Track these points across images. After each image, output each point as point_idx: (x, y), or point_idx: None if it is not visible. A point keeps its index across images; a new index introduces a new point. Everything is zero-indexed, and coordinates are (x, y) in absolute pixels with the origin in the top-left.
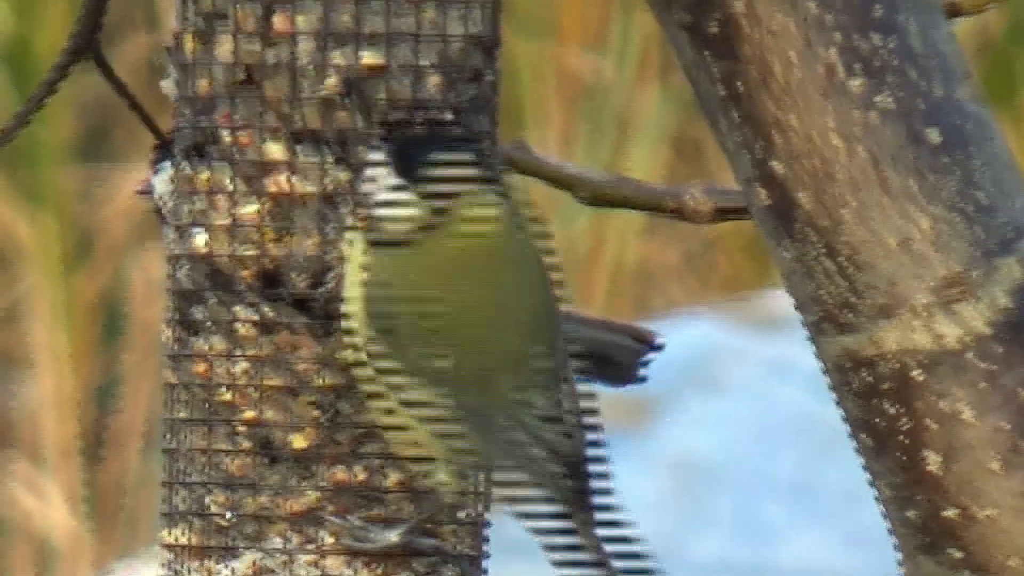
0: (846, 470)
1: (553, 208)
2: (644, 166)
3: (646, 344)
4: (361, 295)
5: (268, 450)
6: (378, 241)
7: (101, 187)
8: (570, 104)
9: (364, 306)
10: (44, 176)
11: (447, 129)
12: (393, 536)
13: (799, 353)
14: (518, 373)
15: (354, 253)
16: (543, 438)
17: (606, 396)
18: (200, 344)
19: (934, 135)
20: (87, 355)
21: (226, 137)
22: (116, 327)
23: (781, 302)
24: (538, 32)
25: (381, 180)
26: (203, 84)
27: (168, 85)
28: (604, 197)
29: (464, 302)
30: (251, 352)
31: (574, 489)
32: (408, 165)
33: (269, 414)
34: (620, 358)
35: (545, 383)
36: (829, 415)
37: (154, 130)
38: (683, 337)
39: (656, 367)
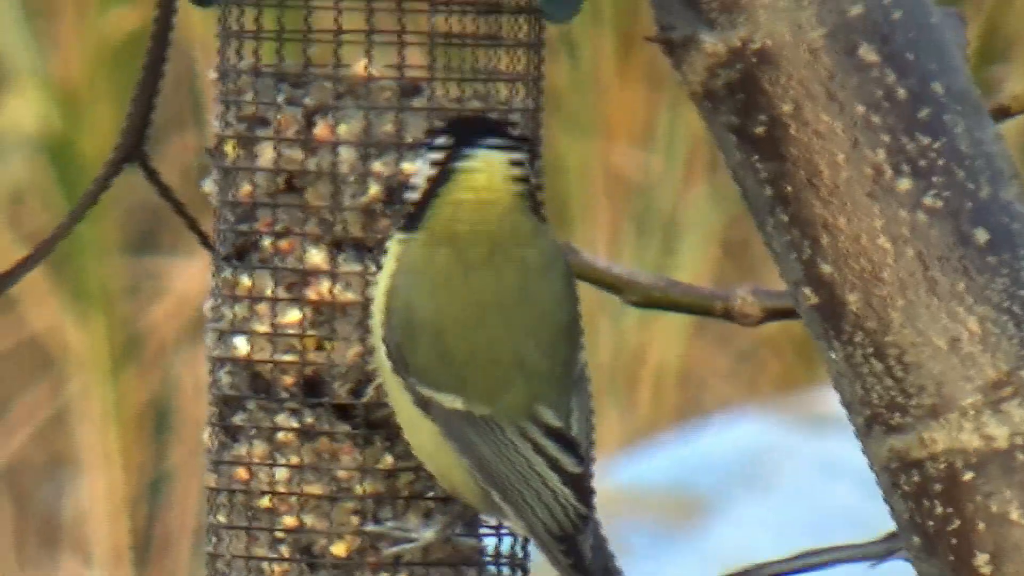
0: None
1: (600, 308)
2: (692, 266)
3: None
4: (385, 285)
5: (310, 556)
6: (408, 225)
7: (149, 283)
8: (617, 202)
9: (385, 295)
10: (91, 275)
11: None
12: (431, 533)
13: (850, 451)
14: (530, 384)
15: (389, 249)
16: (549, 454)
17: (657, 495)
18: (241, 449)
19: (982, 236)
20: (136, 455)
21: (267, 243)
22: (165, 426)
23: (831, 400)
24: (585, 129)
25: (426, 165)
26: (244, 189)
27: (209, 188)
28: (653, 300)
29: (483, 303)
30: (292, 459)
31: (577, 510)
32: (455, 150)
33: (310, 520)
34: None
35: (557, 399)
36: (880, 514)
37: (199, 234)
38: (733, 436)
39: (707, 466)
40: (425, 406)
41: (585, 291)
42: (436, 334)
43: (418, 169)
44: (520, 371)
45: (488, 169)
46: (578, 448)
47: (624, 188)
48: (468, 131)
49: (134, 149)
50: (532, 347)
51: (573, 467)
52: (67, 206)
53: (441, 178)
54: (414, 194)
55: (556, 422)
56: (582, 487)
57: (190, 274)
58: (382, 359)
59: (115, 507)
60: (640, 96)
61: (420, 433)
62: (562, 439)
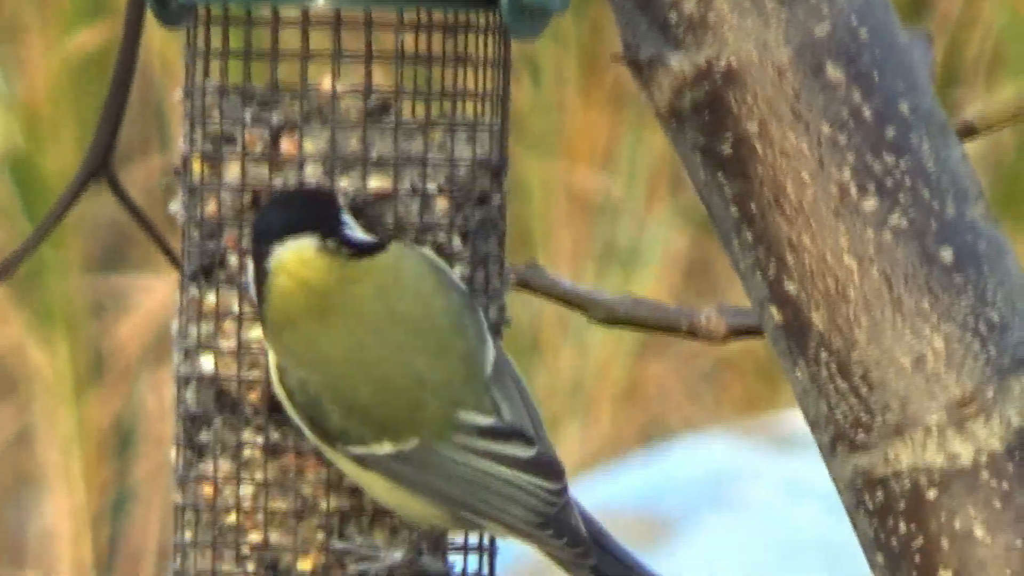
0: None
1: (560, 327)
2: (654, 288)
3: None
4: (275, 374)
5: (276, 572)
6: (268, 328)
7: (113, 302)
8: (579, 224)
9: (279, 382)
10: (54, 294)
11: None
12: (399, 555)
13: (815, 472)
14: (440, 396)
15: (266, 345)
16: (494, 452)
17: (624, 516)
18: (207, 466)
19: (947, 254)
20: (100, 474)
21: (233, 260)
22: (129, 445)
23: (796, 421)
24: (547, 150)
25: (248, 271)
26: (211, 207)
27: (176, 207)
28: (618, 318)
29: (354, 348)
30: (258, 475)
31: (547, 489)
32: (260, 254)
33: (276, 536)
34: None
35: (476, 399)
36: (847, 535)
37: (167, 252)
38: (699, 457)
39: (673, 486)
40: (362, 462)
41: (546, 310)
42: (333, 398)
43: (247, 272)
44: (423, 389)
45: (295, 257)
46: (521, 433)
47: (586, 210)
48: (271, 222)
49: (101, 166)
50: (423, 361)
51: (523, 452)
52: (29, 225)
53: (261, 276)
54: (253, 294)
55: (485, 420)
56: (543, 466)
57: (155, 293)
58: (307, 434)
59: (79, 526)
60: (602, 117)
61: (372, 487)
62: (499, 432)
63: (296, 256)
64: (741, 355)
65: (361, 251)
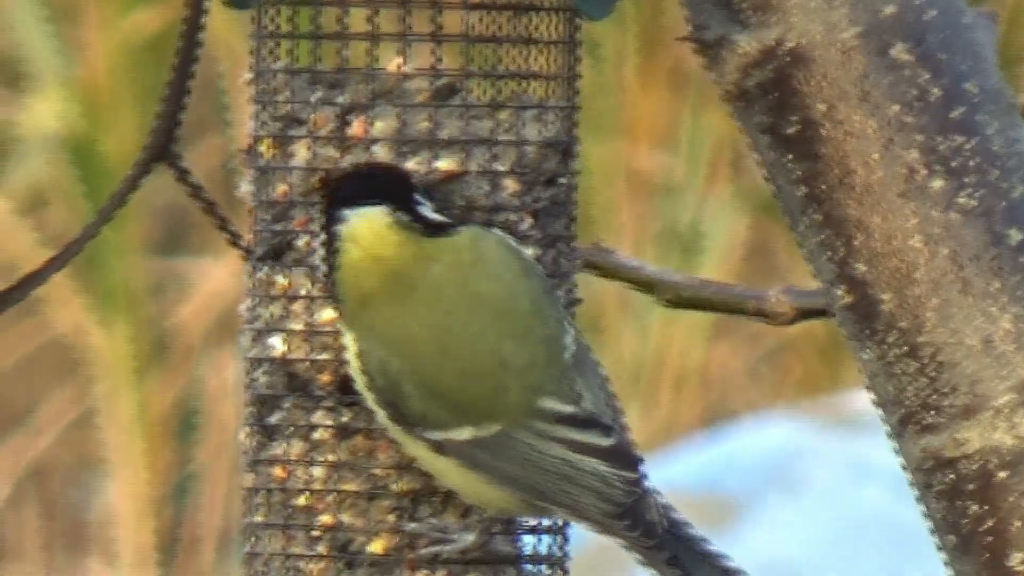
0: (930, 572)
1: (621, 308)
2: (715, 270)
3: None
4: (353, 356)
5: (347, 554)
6: (344, 308)
7: (174, 285)
8: (640, 205)
9: (358, 363)
10: (115, 277)
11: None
12: (471, 537)
13: (880, 453)
14: (522, 381)
15: (338, 324)
16: (573, 440)
17: (687, 497)
18: (278, 448)
19: (1015, 235)
20: (162, 457)
21: (303, 242)
22: (191, 428)
23: (860, 402)
24: (608, 132)
25: (318, 245)
26: (280, 188)
27: (244, 189)
28: (686, 299)
29: (437, 330)
30: (329, 456)
31: (624, 479)
32: (332, 225)
33: (348, 518)
34: None
35: (557, 385)
36: (912, 516)
37: (231, 234)
38: (763, 439)
39: (737, 468)
40: (440, 448)
41: (607, 291)
42: (416, 381)
43: (316, 247)
44: (506, 373)
45: (368, 226)
46: (600, 421)
47: (646, 191)
48: (343, 190)
49: (163, 148)
50: (506, 345)
51: (602, 441)
52: (89, 208)
53: (331, 246)
54: (322, 267)
55: (565, 407)
56: (621, 455)
57: (216, 275)
58: (385, 421)
59: (141, 510)
60: (662, 98)
61: (446, 474)
62: (578, 421)
63: (368, 226)
64: (803, 337)
65: (435, 229)
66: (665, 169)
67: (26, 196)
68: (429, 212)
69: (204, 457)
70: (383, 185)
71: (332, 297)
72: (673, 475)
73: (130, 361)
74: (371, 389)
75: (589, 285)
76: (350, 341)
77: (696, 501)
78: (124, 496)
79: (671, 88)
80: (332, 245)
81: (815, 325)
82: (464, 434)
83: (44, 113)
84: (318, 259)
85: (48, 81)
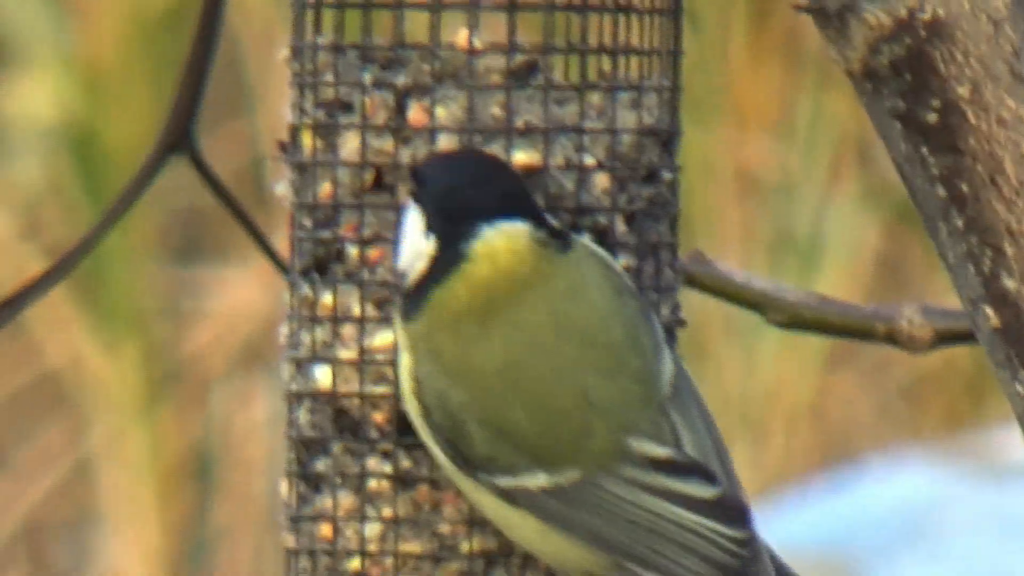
0: None
1: (726, 331)
2: (838, 283)
3: None
4: (408, 383)
5: None
6: (419, 318)
7: (191, 301)
8: (750, 205)
9: (413, 393)
10: (121, 292)
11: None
12: None
13: None
14: (609, 420)
15: (397, 341)
16: (670, 490)
17: (806, 556)
18: (325, 502)
19: None
20: (176, 509)
21: (353, 252)
22: (210, 474)
23: (1011, 444)
24: (711, 118)
25: (416, 243)
26: (325, 188)
27: (282, 190)
28: (802, 320)
29: (515, 358)
30: (386, 511)
31: (732, 538)
32: (454, 229)
33: None
34: None
35: (652, 423)
36: None
37: (262, 243)
38: (894, 487)
39: (864, 521)
40: (510, 497)
41: (708, 309)
42: (483, 416)
43: (407, 241)
44: (591, 410)
45: (508, 244)
46: (702, 468)
47: (757, 188)
48: (467, 197)
49: (181, 137)
50: (593, 380)
51: (706, 491)
52: (92, 209)
53: (447, 258)
54: (412, 274)
55: (661, 450)
56: (727, 508)
57: (241, 289)
58: (442, 461)
59: (151, 571)
60: (776, 77)
61: (517, 528)
62: (677, 467)
63: (508, 244)
64: (943, 366)
65: (566, 246)
66: (779, 162)
67: (18, 198)
68: (555, 223)
69: (227, 510)
70: (515, 191)
71: (406, 303)
72: (788, 530)
73: (139, 393)
74: (427, 424)
75: (688, 301)
76: (406, 362)
77: (815, 561)
78: (130, 555)
79: (786, 66)
80: (451, 257)
81: (957, 352)
82: (539, 481)
83: (39, 97)
84: (405, 255)
85: (43, 59)
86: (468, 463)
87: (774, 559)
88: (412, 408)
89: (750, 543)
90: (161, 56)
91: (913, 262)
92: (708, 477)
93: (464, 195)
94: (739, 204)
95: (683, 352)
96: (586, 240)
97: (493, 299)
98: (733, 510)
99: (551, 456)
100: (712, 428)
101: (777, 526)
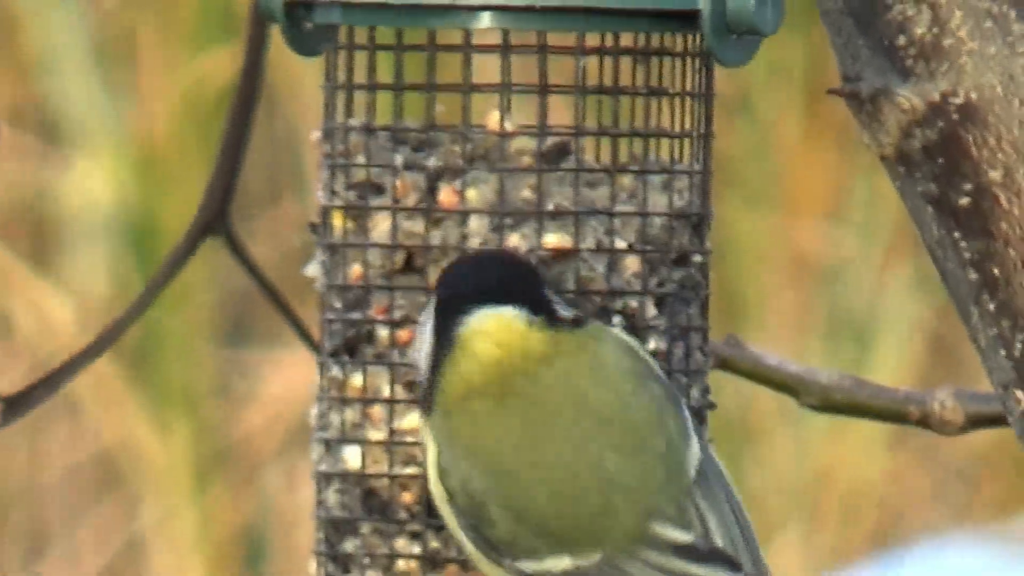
0: None
1: (779, 416)
2: (893, 366)
3: None
4: (434, 473)
5: None
6: (435, 408)
7: (242, 384)
8: (803, 289)
9: (438, 483)
10: (172, 374)
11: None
12: None
13: None
14: (632, 502)
15: (423, 436)
16: None
17: None
18: None
19: None
20: None
21: (383, 333)
22: (261, 556)
23: None
24: (764, 202)
25: (425, 339)
26: (355, 270)
27: (313, 270)
28: (834, 403)
29: (534, 438)
30: None
31: None
32: (448, 318)
33: None
34: None
35: (676, 508)
36: None
37: (295, 324)
38: (938, 569)
39: None
40: None
41: (759, 393)
42: (503, 498)
43: (419, 341)
44: (613, 490)
45: (496, 322)
46: (725, 555)
47: (811, 272)
48: (459, 290)
49: (217, 219)
50: (614, 460)
51: None
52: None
53: (444, 346)
54: (422, 370)
55: (684, 536)
56: None
57: (290, 371)
58: (469, 550)
59: None
60: (830, 161)
61: None
62: (700, 553)
63: (500, 325)
64: (997, 448)
65: (573, 327)
66: (833, 246)
67: (79, 285)
68: (564, 310)
69: None
70: (515, 279)
71: (424, 398)
72: None
73: (189, 473)
74: (452, 509)
75: (738, 386)
76: (431, 454)
77: None
78: None
79: (840, 149)
80: (446, 343)
81: (1006, 433)
82: (562, 564)
83: (94, 180)
84: (419, 353)
85: (99, 141)
86: (493, 548)
87: None
88: (437, 492)
89: None
90: (216, 138)
91: (968, 346)
92: (732, 565)
93: (458, 287)
94: (793, 288)
95: (731, 435)
96: (607, 326)
97: (505, 377)
98: None
99: (573, 538)
100: (740, 515)
101: None
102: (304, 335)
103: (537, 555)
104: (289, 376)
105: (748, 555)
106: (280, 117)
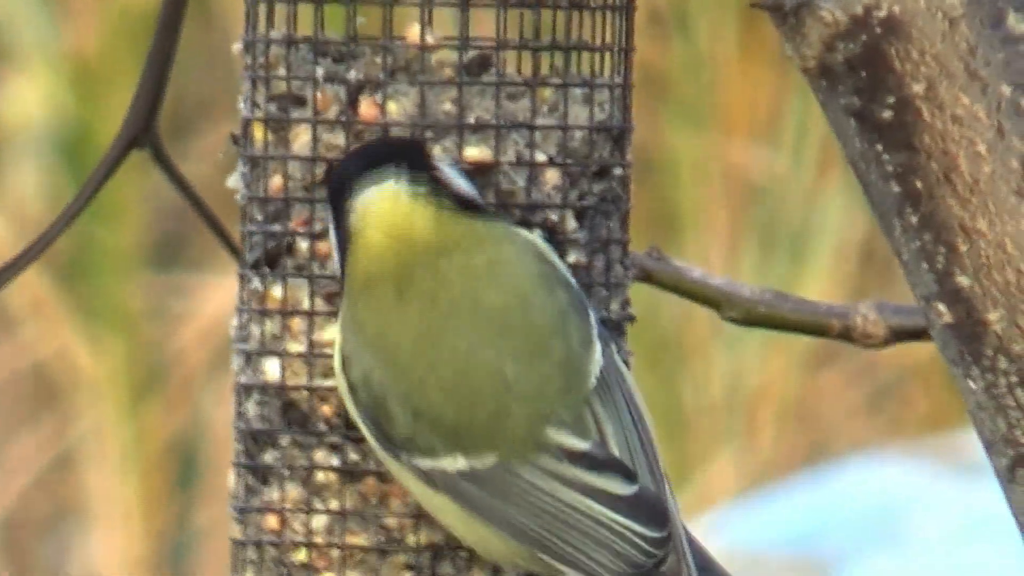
0: None
1: (712, 333)
2: (825, 281)
3: None
4: (338, 362)
5: None
6: (344, 299)
7: (177, 302)
8: (737, 206)
9: (341, 372)
10: (108, 292)
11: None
12: None
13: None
14: (528, 407)
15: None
16: (585, 484)
17: (775, 558)
18: (272, 494)
19: None
20: (158, 507)
21: (303, 246)
22: (193, 471)
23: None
24: (699, 120)
25: (331, 234)
26: (276, 182)
27: (235, 182)
28: (757, 317)
29: (431, 337)
30: (333, 503)
31: (646, 537)
32: (340, 208)
33: None
34: None
35: (573, 415)
36: None
37: (222, 237)
38: (867, 484)
39: (833, 520)
40: (430, 480)
41: (694, 312)
42: (402, 395)
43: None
44: (508, 393)
45: (382, 205)
46: (621, 464)
47: (745, 189)
48: (347, 173)
49: (143, 131)
50: (510, 363)
51: (622, 488)
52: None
53: (343, 238)
54: (337, 265)
55: (580, 443)
56: (644, 506)
57: (225, 291)
58: (371, 442)
59: (132, 566)
60: (765, 80)
61: (441, 512)
62: (595, 461)
63: (387, 203)
64: (928, 364)
65: (465, 204)
66: (767, 163)
67: (13, 199)
68: (459, 180)
69: (209, 506)
70: (397, 151)
71: (338, 293)
72: (759, 529)
73: (123, 388)
74: (355, 403)
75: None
76: (337, 341)
77: (785, 561)
78: (111, 552)
79: (775, 68)
80: (346, 238)
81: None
82: (457, 464)
83: (28, 95)
84: (335, 258)
85: (33, 57)
86: (392, 443)
87: (707, 561)
88: (340, 386)
89: (666, 543)
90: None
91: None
92: (627, 474)
93: (341, 168)
94: (727, 204)
95: (665, 351)
96: (524, 230)
97: (403, 266)
98: (651, 509)
99: (468, 438)
100: (641, 425)
101: (750, 526)
102: (231, 247)
103: (433, 453)
104: (222, 295)
105: (645, 464)
106: (218, 31)
